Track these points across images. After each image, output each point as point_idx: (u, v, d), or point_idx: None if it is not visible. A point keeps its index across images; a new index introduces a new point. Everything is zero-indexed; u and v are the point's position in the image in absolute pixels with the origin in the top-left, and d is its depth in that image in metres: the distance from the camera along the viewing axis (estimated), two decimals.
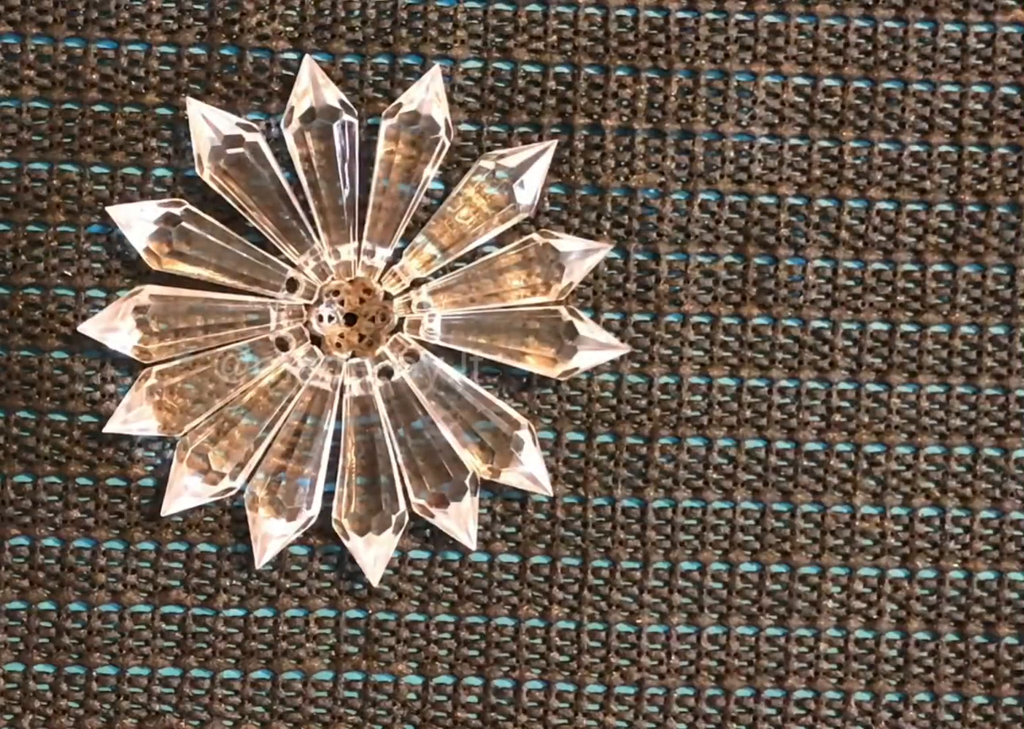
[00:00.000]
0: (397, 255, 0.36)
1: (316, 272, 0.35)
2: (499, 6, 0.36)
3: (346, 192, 0.35)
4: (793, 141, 0.37)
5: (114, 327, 0.35)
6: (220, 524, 0.36)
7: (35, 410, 0.36)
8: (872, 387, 0.37)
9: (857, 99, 0.37)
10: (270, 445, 0.35)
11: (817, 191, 0.37)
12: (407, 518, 0.35)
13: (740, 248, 0.36)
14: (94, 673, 0.36)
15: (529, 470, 0.35)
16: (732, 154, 0.36)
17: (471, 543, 0.35)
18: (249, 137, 0.35)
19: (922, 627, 0.37)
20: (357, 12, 0.36)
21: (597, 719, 0.36)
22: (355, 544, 0.35)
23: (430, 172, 0.35)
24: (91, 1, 0.36)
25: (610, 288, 0.36)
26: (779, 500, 0.36)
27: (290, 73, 0.36)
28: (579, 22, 0.36)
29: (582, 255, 0.35)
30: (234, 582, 0.36)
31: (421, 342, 0.36)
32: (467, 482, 0.35)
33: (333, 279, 0.35)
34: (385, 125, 0.35)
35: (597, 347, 0.35)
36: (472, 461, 0.35)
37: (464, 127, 0.36)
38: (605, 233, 0.36)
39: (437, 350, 0.36)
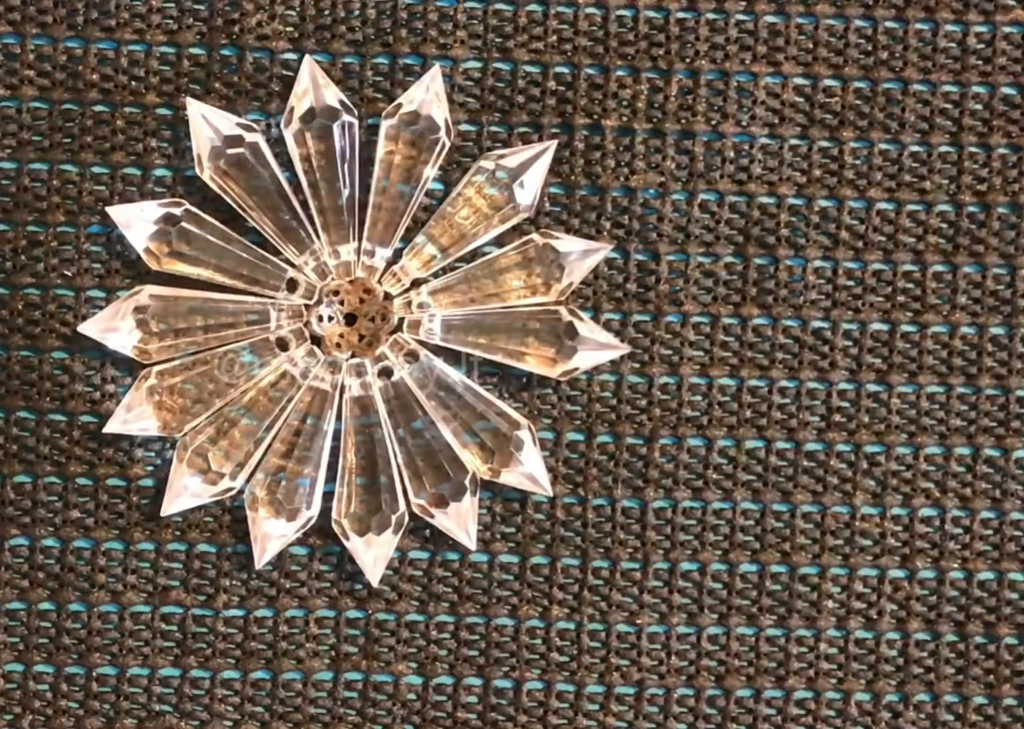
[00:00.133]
0: (397, 255, 0.36)
1: (316, 272, 0.35)
2: (499, 6, 0.36)
3: (346, 192, 0.35)
4: (793, 141, 0.37)
5: (114, 327, 0.35)
6: (220, 524, 0.36)
7: (35, 410, 0.36)
8: (872, 387, 0.37)
9: (857, 99, 0.37)
10: (270, 445, 0.35)
11: (817, 191, 0.37)
12: (407, 518, 0.35)
13: (740, 248, 0.36)
14: (94, 673, 0.36)
15: (529, 470, 0.35)
16: (732, 154, 0.36)
17: (471, 543, 0.35)
18: (249, 137, 0.35)
19: (922, 627, 0.37)
20: (357, 12, 0.36)
21: (597, 719, 0.36)
22: (355, 544, 0.35)
23: (430, 172, 0.35)
24: (91, 1, 0.36)
25: (610, 288, 0.36)
26: (779, 500, 0.36)
27: (290, 73, 0.36)
28: (579, 22, 0.36)
29: (582, 255, 0.35)
30: (234, 582, 0.36)
31: (421, 342, 0.36)
32: (467, 482, 0.35)
33: (333, 279, 0.35)
34: (385, 125, 0.35)
35: (597, 347, 0.35)
36: (472, 461, 0.35)
37: (464, 127, 0.36)
38: (605, 233, 0.36)
39: (437, 350, 0.36)
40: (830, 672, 0.36)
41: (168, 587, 0.36)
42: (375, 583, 0.35)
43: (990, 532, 0.37)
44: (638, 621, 0.36)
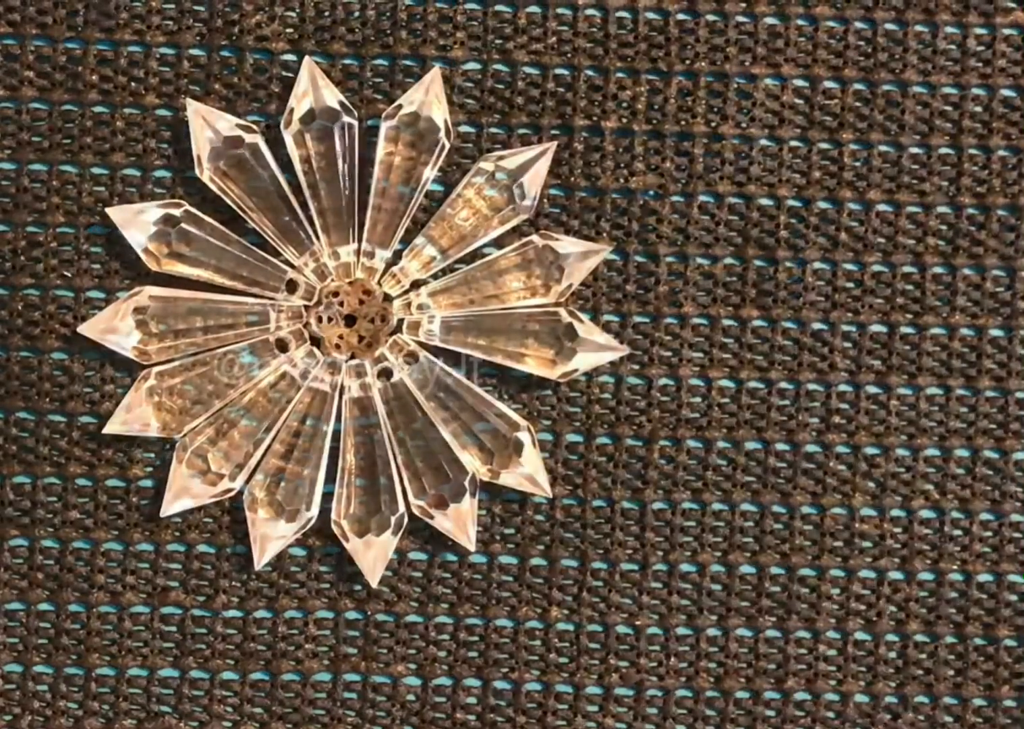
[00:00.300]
0: (397, 256, 0.36)
1: (316, 273, 0.35)
2: (499, 8, 0.36)
3: (346, 193, 0.35)
4: (792, 143, 0.37)
5: (114, 328, 0.35)
6: (219, 525, 0.36)
7: (35, 411, 0.36)
8: (871, 389, 0.37)
9: (857, 101, 0.37)
10: (269, 446, 0.35)
11: (816, 193, 0.37)
12: (406, 519, 0.35)
13: (739, 250, 0.36)
14: (93, 674, 0.36)
15: (528, 471, 0.35)
16: (731, 156, 0.36)
17: (470, 544, 0.35)
18: (249, 138, 0.35)
19: (921, 629, 0.37)
20: (357, 14, 0.36)
21: (596, 720, 0.36)
22: (354, 545, 0.35)
23: (430, 173, 0.35)
24: (91, 2, 0.36)
25: (609, 290, 0.36)
26: (778, 502, 0.36)
27: (290, 74, 0.36)
28: (579, 24, 0.36)
29: (581, 257, 0.35)
30: (233, 583, 0.36)
31: (420, 343, 0.36)
32: (466, 483, 0.35)
33: (333, 280, 0.35)
34: (385, 126, 0.35)
35: (596, 349, 0.35)
36: (471, 462, 0.35)
37: (464, 128, 0.36)
38: (604, 235, 0.36)
39: (437, 351, 0.36)
40: (829, 673, 0.36)
41: (167, 588, 0.36)
42: (374, 584, 0.35)
43: (989, 534, 0.37)
44: (637, 622, 0.36)
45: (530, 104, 0.36)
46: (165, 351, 0.35)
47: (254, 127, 0.35)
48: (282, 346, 0.36)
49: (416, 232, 0.36)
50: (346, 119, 0.35)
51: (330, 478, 0.35)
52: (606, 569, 0.36)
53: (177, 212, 0.35)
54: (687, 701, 0.36)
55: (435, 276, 0.36)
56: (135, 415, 0.35)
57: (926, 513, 0.37)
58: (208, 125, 0.35)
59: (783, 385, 0.37)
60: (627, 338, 0.36)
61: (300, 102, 0.35)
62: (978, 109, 0.37)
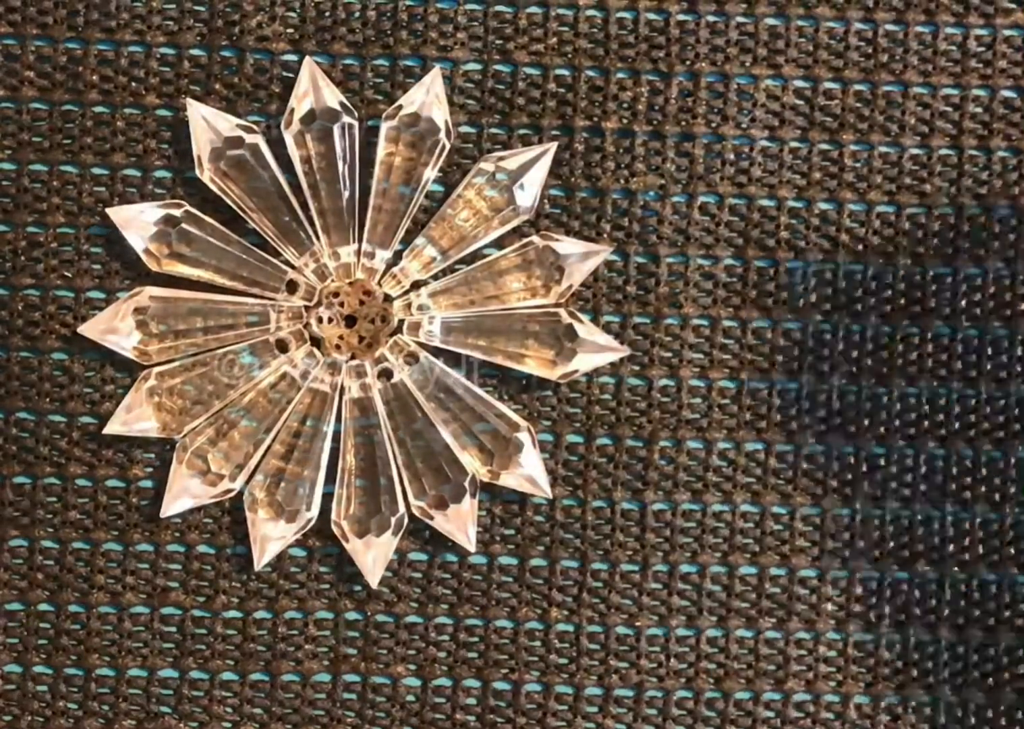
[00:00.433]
0: (397, 257, 0.36)
1: (316, 274, 0.35)
2: (499, 8, 0.36)
3: (346, 194, 0.35)
4: (793, 144, 0.37)
5: (114, 328, 0.35)
6: (219, 526, 0.36)
7: (35, 411, 0.36)
8: (873, 390, 0.37)
9: (857, 102, 0.37)
10: (269, 447, 0.35)
11: (817, 194, 0.36)
12: (406, 520, 0.35)
13: (740, 251, 0.36)
14: (93, 674, 0.36)
15: (528, 472, 0.35)
16: (732, 157, 0.36)
17: (470, 545, 0.35)
18: (249, 139, 0.35)
19: (922, 630, 0.37)
20: (357, 14, 0.36)
21: (596, 721, 0.36)
22: (354, 546, 0.35)
23: (430, 174, 0.35)
24: (91, 2, 0.36)
25: (610, 290, 0.36)
26: (778, 503, 0.36)
27: (290, 75, 0.36)
28: (579, 24, 0.36)
29: (582, 257, 0.35)
30: (233, 584, 0.36)
31: (421, 344, 0.36)
32: (466, 484, 0.35)
33: (333, 281, 0.35)
34: (385, 127, 0.35)
35: (597, 349, 0.35)
36: (471, 463, 0.35)
37: (464, 129, 0.36)
38: (605, 235, 0.36)
39: (437, 352, 0.36)
40: (829, 675, 0.36)
41: (167, 588, 0.36)
42: (374, 585, 0.35)
43: (990, 535, 0.37)
44: (637, 623, 0.36)
45: (531, 105, 0.36)
46: (165, 351, 0.35)
47: (254, 127, 0.35)
48: (282, 347, 0.36)
49: (416, 233, 0.36)
50: (346, 119, 0.35)
51: (330, 479, 0.35)
52: (606, 570, 0.36)
53: (177, 212, 0.35)
54: (687, 702, 0.36)
55: (435, 277, 0.36)
56: (135, 415, 0.35)
57: (927, 514, 0.37)
58: (208, 125, 0.35)
59: (784, 386, 0.36)
60: (627, 339, 0.36)
61: (300, 102, 0.35)
62: (979, 110, 0.37)
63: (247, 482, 0.35)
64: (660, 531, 0.36)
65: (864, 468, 0.36)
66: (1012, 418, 0.37)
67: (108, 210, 0.35)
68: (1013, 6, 0.37)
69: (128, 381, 0.36)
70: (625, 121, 0.36)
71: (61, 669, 0.36)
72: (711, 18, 0.36)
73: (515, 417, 0.35)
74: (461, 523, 0.35)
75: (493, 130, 0.36)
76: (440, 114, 0.35)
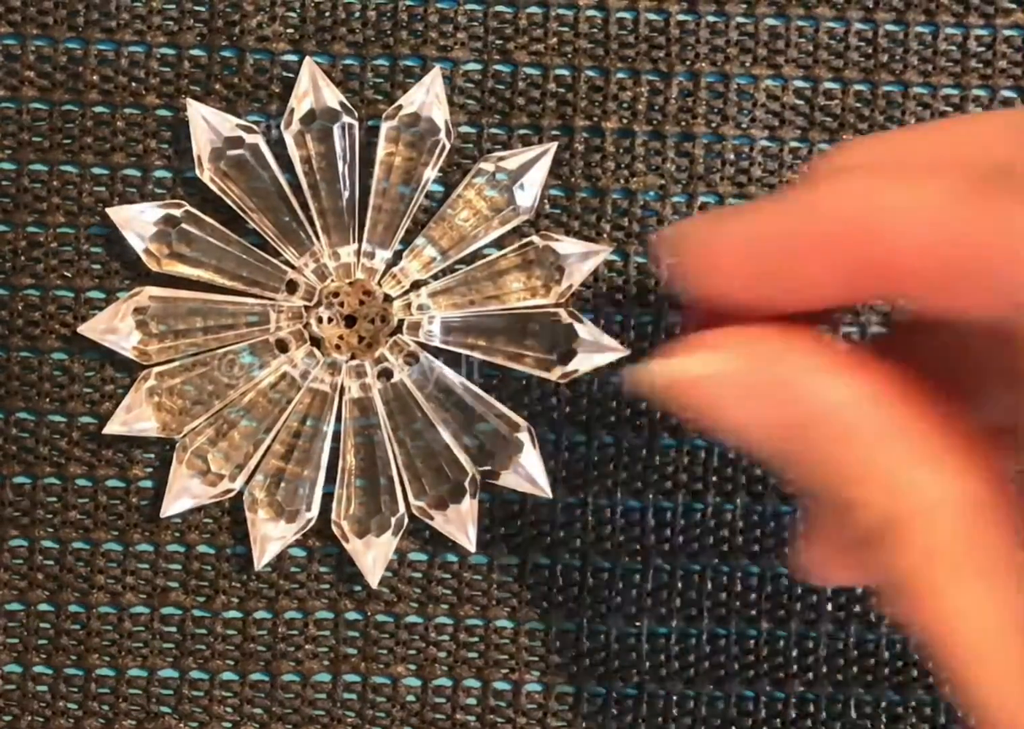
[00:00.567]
0: (397, 257, 0.36)
1: (316, 274, 0.35)
2: (499, 8, 0.36)
3: (346, 194, 0.35)
4: (793, 144, 0.37)
5: (114, 328, 0.35)
6: (219, 526, 0.36)
7: (34, 411, 0.36)
8: None
9: (857, 102, 0.37)
10: (269, 447, 0.35)
11: None
12: (406, 520, 0.35)
13: None
14: (93, 674, 0.36)
15: (528, 472, 0.35)
16: (732, 157, 0.36)
17: (470, 545, 0.35)
18: (249, 139, 0.35)
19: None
20: (357, 14, 0.36)
21: (596, 722, 0.36)
22: (354, 546, 0.35)
23: (430, 174, 0.35)
24: (91, 2, 0.36)
25: (610, 291, 0.36)
26: (779, 503, 0.36)
27: (290, 75, 0.36)
28: (579, 24, 0.36)
29: (582, 257, 0.35)
30: (233, 584, 0.36)
31: (421, 344, 0.36)
32: (466, 484, 0.35)
33: (333, 281, 0.35)
34: (385, 127, 0.35)
35: (597, 349, 0.35)
36: (471, 463, 0.35)
37: (464, 129, 0.36)
38: (605, 235, 0.36)
39: (437, 352, 0.36)
40: (829, 675, 0.36)
41: (167, 588, 0.36)
42: (374, 585, 0.35)
43: None
44: (637, 623, 0.36)
45: (531, 105, 0.36)
46: (165, 351, 0.35)
47: (255, 127, 0.35)
48: (282, 346, 0.36)
49: (416, 233, 0.36)
50: (346, 119, 0.35)
51: (330, 479, 0.35)
52: (607, 570, 0.36)
53: (177, 212, 0.35)
54: (688, 702, 0.36)
55: (435, 277, 0.36)
56: (135, 415, 0.35)
57: None
58: (208, 125, 0.35)
59: None
60: (628, 339, 0.36)
61: (300, 102, 0.35)
62: (979, 110, 0.37)
63: (247, 482, 0.35)
64: (661, 531, 0.36)
65: None
66: None
67: (108, 210, 0.35)
68: (1013, 6, 0.37)
69: (128, 381, 0.36)
70: (625, 121, 0.36)
71: (61, 669, 0.36)
72: (711, 18, 0.36)
73: (515, 417, 0.35)
74: (461, 523, 0.35)
75: (493, 130, 0.36)
76: (440, 114, 0.35)
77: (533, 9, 0.36)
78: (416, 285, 0.36)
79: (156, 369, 0.35)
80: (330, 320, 0.35)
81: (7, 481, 0.36)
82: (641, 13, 0.36)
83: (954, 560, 0.22)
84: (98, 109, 0.36)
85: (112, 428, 0.35)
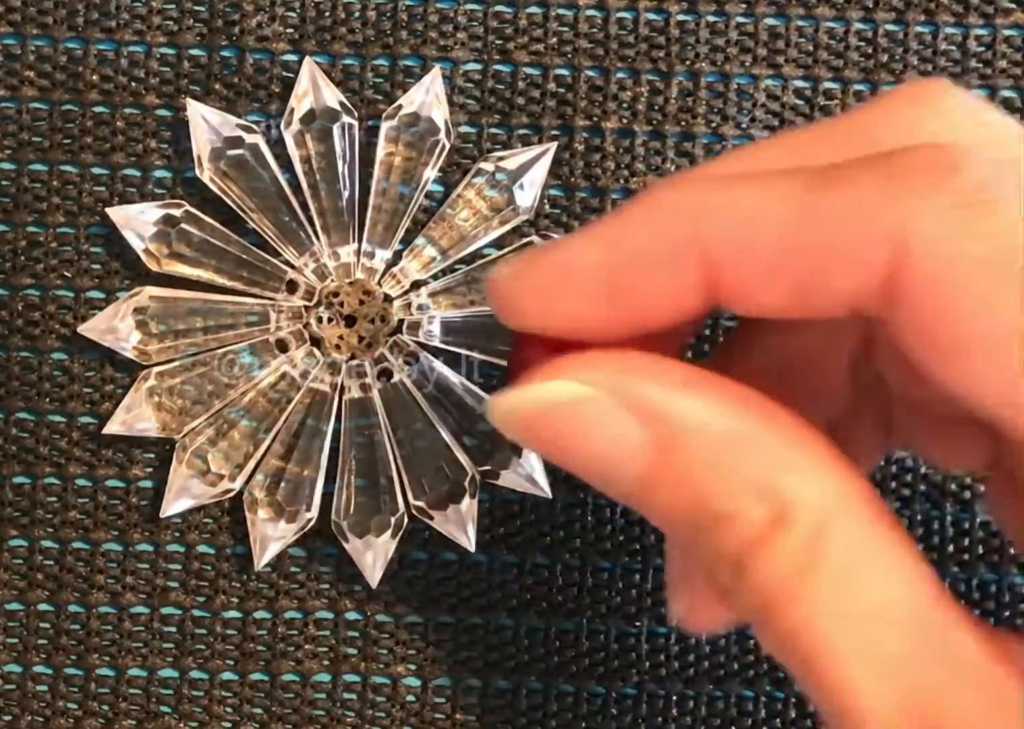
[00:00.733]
0: (397, 257, 0.36)
1: (316, 274, 0.35)
2: (499, 8, 0.36)
3: (346, 194, 0.35)
4: None
5: (114, 328, 0.35)
6: (219, 526, 0.36)
7: (34, 411, 0.36)
8: None
9: (857, 102, 0.37)
10: (269, 447, 0.35)
11: None
12: (406, 520, 0.35)
13: None
14: (93, 674, 0.36)
15: (528, 472, 0.35)
16: None
17: (470, 545, 0.35)
18: (249, 139, 0.35)
19: None
20: (357, 14, 0.36)
21: (596, 722, 0.36)
22: (354, 546, 0.35)
23: (430, 174, 0.35)
24: (91, 2, 0.36)
25: None
26: None
27: (290, 75, 0.36)
28: (579, 24, 0.36)
29: None
30: (233, 584, 0.36)
31: (420, 344, 0.36)
32: (466, 484, 0.35)
33: (333, 281, 0.35)
34: (385, 127, 0.35)
35: None
36: (471, 463, 0.35)
37: (464, 129, 0.36)
38: None
39: (437, 352, 0.36)
40: None
41: (167, 588, 0.36)
42: (374, 585, 0.35)
43: (990, 535, 0.37)
44: (637, 623, 0.36)
45: (530, 105, 0.36)
46: (165, 351, 0.35)
47: (255, 127, 0.35)
48: (282, 346, 0.36)
49: (416, 232, 0.36)
50: (346, 119, 0.35)
51: (330, 478, 0.35)
52: (607, 569, 0.36)
53: (177, 212, 0.35)
54: (688, 702, 0.36)
55: (435, 277, 0.36)
56: (135, 415, 0.35)
57: (927, 514, 0.37)
58: (208, 125, 0.35)
59: None
60: None
61: (300, 102, 0.35)
62: None
63: (247, 482, 0.35)
64: (660, 531, 0.36)
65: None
66: None
67: (108, 210, 0.35)
68: (1013, 6, 0.37)
69: (128, 381, 0.36)
70: (625, 121, 0.36)
71: (61, 669, 0.36)
72: (711, 18, 0.36)
73: None
74: (461, 523, 0.35)
75: (493, 130, 0.36)
76: (440, 114, 0.35)
77: (533, 9, 0.36)
78: (416, 285, 0.36)
79: (156, 369, 0.35)
80: (330, 320, 0.35)
81: (7, 481, 0.36)
82: (641, 13, 0.36)
83: (820, 563, 0.22)
84: (98, 109, 0.36)
85: (112, 428, 0.35)
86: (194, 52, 0.36)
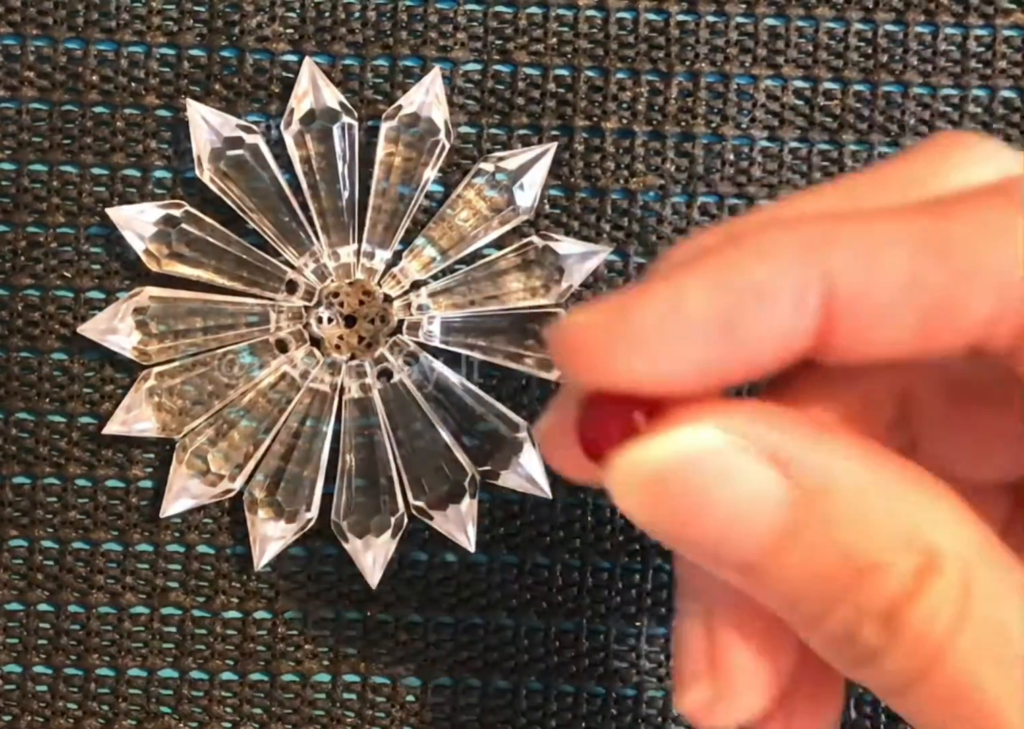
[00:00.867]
0: (397, 257, 0.36)
1: (316, 274, 0.35)
2: (499, 8, 0.36)
3: (346, 194, 0.35)
4: (793, 144, 0.37)
5: (114, 328, 0.35)
6: (219, 526, 0.36)
7: (34, 411, 0.36)
8: None
9: (857, 102, 0.37)
10: (269, 447, 0.35)
11: None
12: (406, 520, 0.35)
13: None
14: (93, 674, 0.36)
15: (528, 472, 0.35)
16: (732, 157, 0.36)
17: (470, 545, 0.35)
18: (249, 139, 0.35)
19: None
20: (357, 14, 0.36)
21: (597, 722, 0.36)
22: (354, 546, 0.35)
23: (430, 174, 0.35)
24: (91, 2, 0.36)
25: (610, 291, 0.36)
26: None
27: (290, 75, 0.36)
28: (579, 24, 0.36)
29: (581, 258, 0.35)
30: (233, 584, 0.36)
31: (420, 344, 0.36)
32: (466, 484, 0.35)
33: (333, 281, 0.35)
34: (385, 127, 0.35)
35: None
36: (471, 463, 0.35)
37: (464, 129, 0.36)
38: (605, 236, 0.36)
39: (437, 352, 0.36)
40: None
41: (167, 588, 0.36)
42: (374, 585, 0.35)
43: None
44: (637, 623, 0.36)
45: (530, 105, 0.36)
46: (165, 351, 0.35)
47: (254, 127, 0.35)
48: (282, 347, 0.36)
49: (416, 233, 0.36)
50: (346, 119, 0.35)
51: (330, 479, 0.35)
52: (607, 569, 0.36)
53: (177, 212, 0.35)
54: None
55: (435, 277, 0.36)
56: (135, 415, 0.35)
57: None
58: (208, 125, 0.35)
59: None
60: None
61: (300, 102, 0.35)
62: (978, 110, 0.37)
63: (247, 482, 0.35)
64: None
65: None
66: None
67: (108, 210, 0.35)
68: (1013, 6, 0.37)
69: (128, 381, 0.36)
70: (625, 121, 0.36)
71: (61, 669, 0.36)
72: (711, 18, 0.36)
73: (515, 417, 0.35)
74: (461, 523, 0.35)
75: (493, 130, 0.36)
76: (440, 114, 0.35)
77: (533, 9, 0.36)
78: (416, 285, 0.36)
79: (156, 369, 0.35)
80: (330, 320, 0.35)
81: (7, 481, 0.36)
82: (641, 13, 0.36)
83: (973, 611, 0.21)
84: (98, 109, 0.36)
85: (112, 428, 0.35)
86: (194, 52, 0.36)
